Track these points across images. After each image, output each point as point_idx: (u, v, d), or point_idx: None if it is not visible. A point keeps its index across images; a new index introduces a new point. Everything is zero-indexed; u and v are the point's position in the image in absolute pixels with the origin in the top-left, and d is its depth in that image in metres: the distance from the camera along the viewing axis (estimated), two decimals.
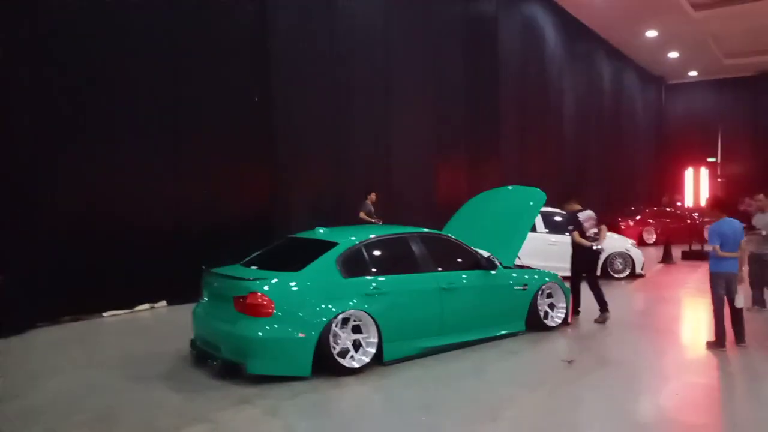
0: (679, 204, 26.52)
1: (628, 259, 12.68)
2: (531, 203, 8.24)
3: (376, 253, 6.61)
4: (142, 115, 9.25)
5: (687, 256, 15.96)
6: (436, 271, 6.80)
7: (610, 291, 11.37)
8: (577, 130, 21.62)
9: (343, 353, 6.00)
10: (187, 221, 9.87)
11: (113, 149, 8.91)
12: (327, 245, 6.35)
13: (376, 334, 6.16)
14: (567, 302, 8.02)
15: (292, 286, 5.91)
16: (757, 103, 28.38)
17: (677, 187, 29.18)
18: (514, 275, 7.57)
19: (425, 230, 7.16)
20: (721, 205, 7.08)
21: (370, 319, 6.12)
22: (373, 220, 11.48)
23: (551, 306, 7.95)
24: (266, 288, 5.74)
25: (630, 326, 8.18)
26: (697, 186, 29.55)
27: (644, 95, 28.66)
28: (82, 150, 8.58)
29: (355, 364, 5.99)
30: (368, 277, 6.31)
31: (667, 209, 23.08)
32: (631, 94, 27.14)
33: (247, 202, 10.79)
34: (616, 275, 12.57)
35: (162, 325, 8.57)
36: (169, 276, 9.32)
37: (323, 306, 5.89)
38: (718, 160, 29.21)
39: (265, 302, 5.67)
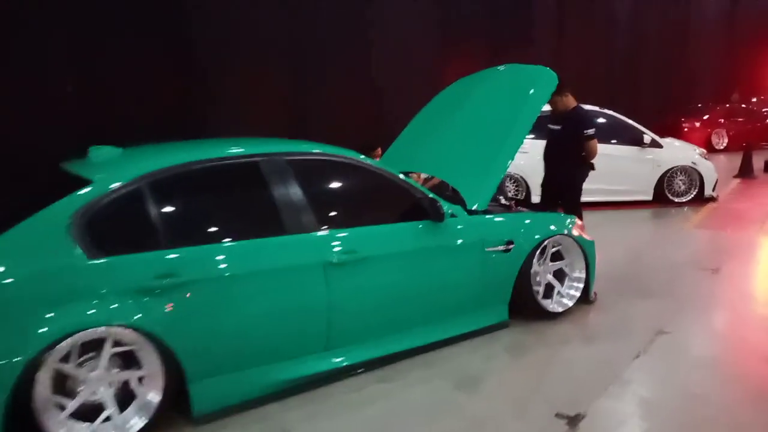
0: (754, 101, 21.84)
1: (694, 177, 9.01)
2: (531, 91, 4.66)
3: (180, 199, 3.30)
4: None
5: None
6: (321, 229, 3.47)
7: (666, 228, 7.86)
8: (631, 11, 17.13)
9: (92, 412, 2.88)
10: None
11: None
12: (69, 186, 3.08)
13: (162, 372, 2.98)
14: (590, 266, 4.61)
15: None
16: None
17: (759, 80, 24.06)
18: (489, 225, 4.17)
19: (306, 149, 3.76)
20: None
21: (149, 344, 2.93)
22: None
23: (559, 275, 4.58)
24: None
25: (707, 306, 4.75)
26: None
27: None
28: None
29: None
30: (153, 253, 3.03)
31: (742, 106, 18.74)
32: None
33: (147, 123, 7.39)
34: (676, 199, 8.95)
35: None
36: None
37: (27, 324, 2.70)
38: None
39: None
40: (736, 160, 11.83)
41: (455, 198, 4.26)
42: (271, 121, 8.56)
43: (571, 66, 13.65)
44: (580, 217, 5.15)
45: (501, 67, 5.19)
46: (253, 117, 8.38)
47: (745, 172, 11.43)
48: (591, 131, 5.37)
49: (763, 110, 18.42)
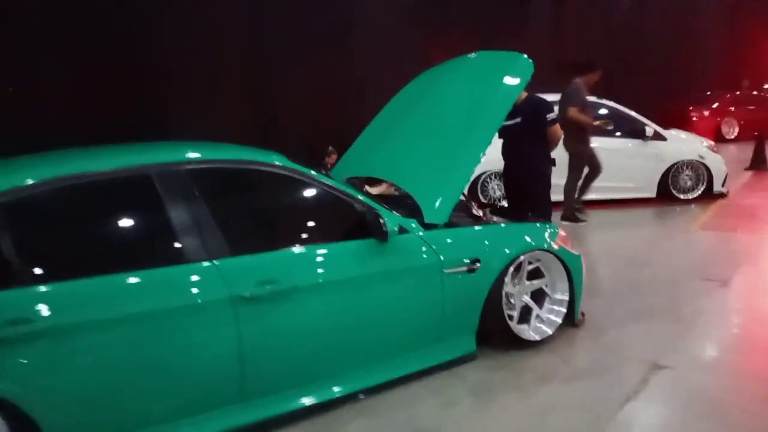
0: (766, 87, 20.92)
1: (701, 171, 8.28)
2: (503, 81, 3.99)
3: (41, 226, 2.66)
4: None
5: None
6: (231, 254, 2.82)
7: (670, 230, 7.05)
8: None
9: None
10: None
11: None
12: None
13: None
14: (575, 285, 3.93)
15: None
16: None
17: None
18: (448, 242, 3.50)
19: (212, 155, 3.09)
20: None
21: None
22: None
23: (538, 297, 3.91)
24: None
25: (713, 331, 4.08)
26: None
27: None
28: None
29: None
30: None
31: (753, 93, 17.89)
32: None
33: (103, 125, 6.72)
34: (682, 197, 8.23)
35: None
36: None
37: None
38: None
39: None
40: (748, 150, 11.08)
41: (415, 208, 3.60)
42: (239, 120, 7.95)
43: (569, 53, 12.94)
44: (549, 219, 4.57)
45: (472, 55, 4.52)
46: (220, 115, 7.78)
47: (757, 163, 10.68)
48: (553, 115, 4.76)
49: None
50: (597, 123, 7.14)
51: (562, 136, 4.94)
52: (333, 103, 8.41)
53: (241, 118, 7.70)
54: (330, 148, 8.29)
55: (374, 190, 5.90)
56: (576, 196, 7.20)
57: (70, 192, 2.63)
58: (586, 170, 7.20)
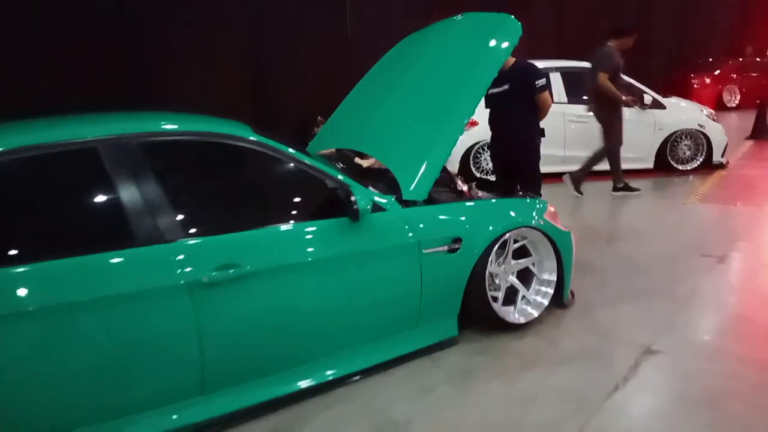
0: None
1: (700, 141, 8.03)
2: (490, 43, 3.71)
3: None
4: None
5: None
6: (187, 236, 2.60)
7: (667, 202, 6.73)
8: None
9: None
10: None
11: None
12: None
13: None
14: (564, 264, 3.72)
15: None
16: None
17: None
18: (427, 220, 3.27)
19: (167, 126, 2.83)
20: None
21: None
22: None
23: (524, 276, 3.71)
24: None
25: (709, 311, 3.88)
26: None
27: None
28: None
29: None
30: None
31: (757, 60, 17.49)
32: None
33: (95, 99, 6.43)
34: (680, 167, 8.01)
35: None
36: None
37: None
38: None
39: None
40: (749, 119, 10.80)
41: (398, 183, 3.36)
42: (238, 102, 7.73)
43: (574, 21, 12.59)
44: (539, 193, 4.35)
45: (457, 17, 4.23)
46: (213, 84, 7.55)
47: (758, 132, 10.41)
48: (543, 81, 4.46)
49: None
50: (625, 99, 6.85)
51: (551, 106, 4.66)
52: (329, 80, 8.16)
53: (240, 103, 7.47)
54: (319, 118, 8.06)
55: (365, 163, 5.66)
56: (614, 170, 6.92)
57: (2, 168, 2.39)
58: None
